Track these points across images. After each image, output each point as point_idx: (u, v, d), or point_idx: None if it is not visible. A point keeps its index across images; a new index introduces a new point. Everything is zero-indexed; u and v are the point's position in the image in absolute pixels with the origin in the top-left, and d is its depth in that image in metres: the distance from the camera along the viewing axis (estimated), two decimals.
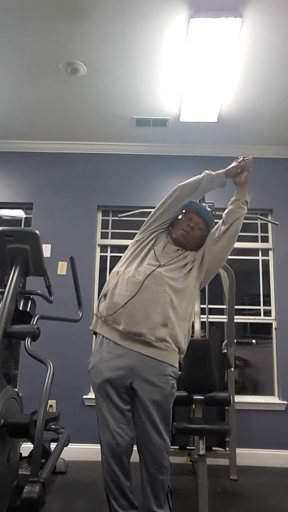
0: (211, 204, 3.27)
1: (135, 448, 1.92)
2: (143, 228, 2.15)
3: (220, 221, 2.15)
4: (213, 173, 2.16)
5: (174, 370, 1.93)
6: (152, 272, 1.94)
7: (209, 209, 2.34)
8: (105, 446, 1.90)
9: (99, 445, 1.96)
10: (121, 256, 2.16)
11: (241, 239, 4.17)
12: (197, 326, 3.09)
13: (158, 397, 1.86)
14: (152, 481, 1.85)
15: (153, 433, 1.84)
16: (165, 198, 2.13)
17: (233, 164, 2.18)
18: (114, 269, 2.07)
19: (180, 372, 1.99)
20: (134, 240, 2.15)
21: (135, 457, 1.92)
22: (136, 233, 2.20)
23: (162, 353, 1.88)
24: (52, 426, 2.89)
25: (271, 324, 4.00)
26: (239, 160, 2.18)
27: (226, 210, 2.16)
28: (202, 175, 2.14)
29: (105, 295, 2.01)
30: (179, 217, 2.16)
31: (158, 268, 1.96)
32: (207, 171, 2.16)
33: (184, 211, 2.16)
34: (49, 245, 3.94)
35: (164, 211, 2.12)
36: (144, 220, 2.18)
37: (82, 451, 3.56)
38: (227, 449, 3.28)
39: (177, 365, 1.96)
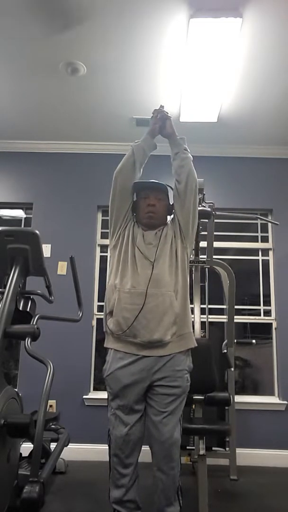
0: (211, 204, 3.28)
1: (143, 449, 1.93)
2: (112, 230, 2.12)
3: (174, 182, 2.11)
4: (139, 141, 2.14)
5: (189, 364, 1.97)
6: (150, 278, 1.92)
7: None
8: (116, 439, 1.90)
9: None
10: None
11: (241, 239, 4.22)
12: (197, 326, 3.09)
13: (173, 391, 1.89)
14: (163, 477, 1.88)
15: (164, 427, 1.87)
16: (112, 192, 2.10)
17: (152, 122, 2.16)
18: (110, 282, 2.02)
19: (192, 366, 2.01)
20: (111, 246, 2.12)
21: (143, 458, 1.94)
22: None
23: (180, 343, 1.93)
24: (52, 426, 2.89)
25: (271, 324, 4.00)
26: (154, 115, 2.16)
27: (173, 169, 2.12)
28: (131, 149, 2.12)
29: (111, 312, 1.96)
30: (135, 200, 2.14)
31: (153, 271, 1.94)
32: (132, 143, 2.14)
33: (135, 194, 2.14)
34: (49, 245, 3.93)
35: (119, 204, 2.09)
36: None
37: (82, 451, 3.57)
38: (227, 449, 3.27)
39: (194, 341, 1.99)
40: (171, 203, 2.16)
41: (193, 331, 2.19)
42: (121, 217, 2.10)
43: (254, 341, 3.84)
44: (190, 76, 3.14)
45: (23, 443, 2.15)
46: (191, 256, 2.15)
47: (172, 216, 2.16)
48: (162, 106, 2.20)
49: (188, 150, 2.13)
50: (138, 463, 1.93)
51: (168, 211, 2.15)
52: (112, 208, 2.12)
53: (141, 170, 2.17)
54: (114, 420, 1.91)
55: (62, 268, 3.92)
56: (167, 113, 2.18)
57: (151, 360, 1.89)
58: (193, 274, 3.19)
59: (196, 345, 2.02)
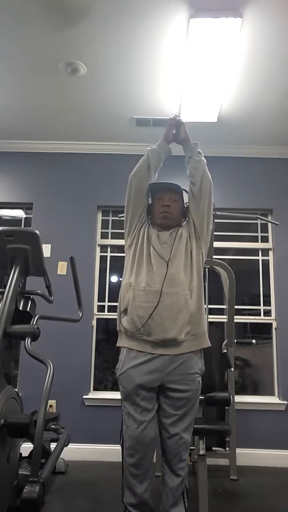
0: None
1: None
2: (127, 231, 2.15)
3: (189, 184, 2.15)
4: (154, 146, 2.19)
5: (201, 367, 1.98)
6: (166, 277, 1.93)
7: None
8: (130, 439, 1.90)
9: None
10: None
11: (241, 239, 4.22)
12: None
13: (184, 395, 1.90)
14: (172, 477, 1.90)
15: (174, 428, 1.90)
16: (127, 194, 2.15)
17: (167, 128, 2.24)
18: (125, 281, 2.03)
19: (204, 368, 2.02)
20: (126, 245, 2.15)
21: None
22: None
23: (194, 343, 1.94)
24: (52, 426, 2.89)
25: (271, 324, 4.00)
26: (169, 122, 2.25)
27: (188, 171, 2.17)
28: (146, 154, 2.16)
29: (125, 310, 1.97)
30: (150, 202, 2.18)
31: (168, 270, 1.95)
32: (148, 148, 2.19)
33: (150, 196, 2.18)
34: (49, 245, 3.94)
35: (134, 206, 2.13)
36: None
37: (82, 451, 3.57)
38: (227, 449, 3.27)
39: (208, 341, 2.00)
40: (185, 206, 2.18)
41: None
42: (136, 218, 2.13)
43: (254, 341, 3.84)
44: (190, 76, 3.14)
45: (23, 443, 2.15)
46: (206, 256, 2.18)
47: (187, 219, 2.17)
48: (176, 116, 2.27)
49: (202, 154, 2.17)
50: (152, 464, 1.94)
51: (182, 213, 2.17)
52: (127, 210, 2.15)
53: (156, 174, 2.21)
54: (127, 419, 1.92)
55: (62, 268, 3.92)
56: (181, 120, 2.25)
57: (165, 360, 1.89)
58: None
59: (210, 345, 2.02)
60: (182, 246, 2.04)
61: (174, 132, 2.22)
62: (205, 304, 3.50)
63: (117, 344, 2.02)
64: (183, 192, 2.18)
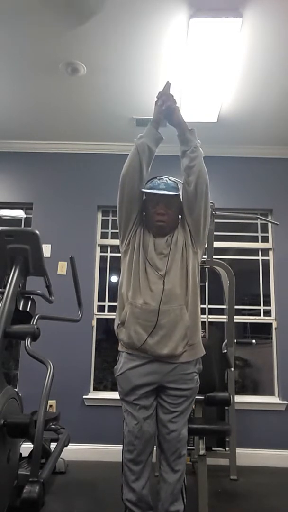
0: (211, 204, 3.26)
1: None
2: (122, 235, 2.07)
3: (183, 180, 1.99)
4: (142, 135, 2.00)
5: (198, 366, 1.98)
6: (162, 294, 1.90)
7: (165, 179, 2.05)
8: (128, 435, 1.91)
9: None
10: (120, 256, 2.15)
11: (241, 239, 4.22)
12: None
13: (183, 393, 1.91)
14: (171, 473, 1.90)
15: (173, 425, 1.90)
16: (119, 195, 2.02)
17: (156, 111, 2.02)
18: (122, 291, 1.98)
19: (201, 367, 2.02)
20: (122, 250, 2.09)
21: None
22: None
23: (190, 353, 1.93)
24: (52, 426, 2.89)
25: (271, 324, 4.00)
26: (159, 104, 2.00)
27: (182, 166, 2.00)
28: (135, 148, 1.98)
29: (122, 323, 1.95)
30: (144, 199, 2.05)
31: (165, 286, 1.91)
32: (136, 139, 2.00)
33: (144, 200, 2.05)
34: (49, 245, 3.94)
35: (128, 206, 2.01)
36: None
37: (82, 451, 3.57)
38: (227, 449, 3.28)
39: (203, 350, 1.99)
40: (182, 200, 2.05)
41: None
42: (131, 222, 2.03)
43: (254, 341, 3.84)
44: (190, 76, 3.14)
45: (23, 443, 2.15)
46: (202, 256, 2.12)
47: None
48: (169, 84, 1.99)
49: (199, 143, 2.00)
50: (151, 462, 1.94)
51: (179, 214, 2.06)
52: (120, 212, 2.04)
53: (149, 168, 2.06)
54: (126, 416, 1.93)
55: (62, 268, 3.92)
56: (174, 100, 2.02)
57: (161, 363, 1.90)
58: None
59: (205, 353, 2.01)
60: (178, 255, 1.97)
61: (164, 115, 2.03)
62: (204, 304, 3.52)
63: (119, 349, 2.01)
64: (180, 184, 2.06)
